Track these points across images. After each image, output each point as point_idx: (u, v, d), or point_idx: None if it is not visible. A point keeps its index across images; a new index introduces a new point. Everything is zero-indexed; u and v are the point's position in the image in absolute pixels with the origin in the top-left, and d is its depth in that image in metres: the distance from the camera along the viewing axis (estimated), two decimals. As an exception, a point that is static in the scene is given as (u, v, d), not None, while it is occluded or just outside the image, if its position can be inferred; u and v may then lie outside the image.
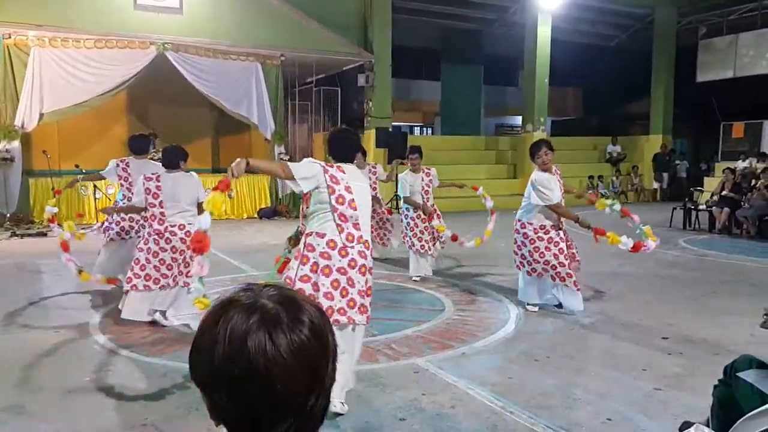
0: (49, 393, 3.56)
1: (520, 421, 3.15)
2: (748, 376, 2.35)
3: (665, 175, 17.22)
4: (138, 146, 5.84)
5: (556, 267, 5.08)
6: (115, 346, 4.38)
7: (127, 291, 4.75)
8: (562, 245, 5.14)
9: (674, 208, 11.53)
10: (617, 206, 5.38)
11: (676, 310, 5.40)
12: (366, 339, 4.52)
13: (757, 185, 10.70)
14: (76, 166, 11.07)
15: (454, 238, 6.73)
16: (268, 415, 0.77)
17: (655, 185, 17.33)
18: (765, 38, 15.20)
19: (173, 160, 4.88)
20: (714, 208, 10.75)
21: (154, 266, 4.70)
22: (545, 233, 5.14)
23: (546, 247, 5.11)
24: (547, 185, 5.02)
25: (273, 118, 12.59)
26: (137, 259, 4.73)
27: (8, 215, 10.54)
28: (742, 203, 10.45)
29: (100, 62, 10.91)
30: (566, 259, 5.12)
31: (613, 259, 7.47)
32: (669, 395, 3.50)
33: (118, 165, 5.73)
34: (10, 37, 10.39)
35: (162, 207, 4.73)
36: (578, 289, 5.13)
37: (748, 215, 10.17)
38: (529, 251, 5.17)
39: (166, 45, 11.30)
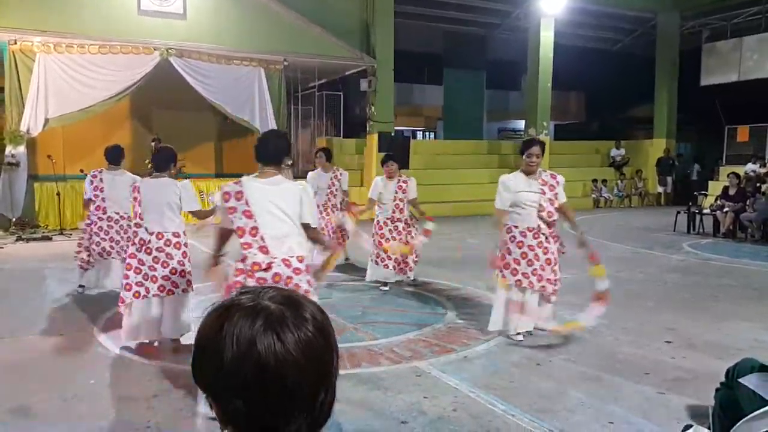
0: (54, 395, 3.57)
1: (521, 425, 3.16)
2: (749, 381, 2.35)
3: (669, 179, 17.20)
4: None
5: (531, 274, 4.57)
6: (119, 349, 4.40)
7: None
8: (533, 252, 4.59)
9: (678, 212, 11.50)
10: (603, 286, 4.49)
11: (679, 314, 5.39)
12: (368, 342, 4.55)
13: (764, 189, 10.68)
14: (81, 170, 11.13)
15: (426, 233, 6.32)
16: (281, 413, 0.78)
17: (659, 189, 17.30)
18: (769, 42, 15.18)
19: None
20: (718, 212, 10.73)
21: None
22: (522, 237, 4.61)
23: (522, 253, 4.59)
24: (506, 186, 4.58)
25: (276, 122, 12.63)
26: None
27: (14, 219, 10.61)
28: (747, 207, 10.43)
29: (105, 68, 10.98)
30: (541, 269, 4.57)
31: (614, 263, 7.46)
32: (671, 399, 3.49)
33: None
34: (15, 43, 10.47)
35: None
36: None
37: (753, 219, 10.15)
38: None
39: (169, 50, 11.36)
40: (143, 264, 4.34)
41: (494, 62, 19.88)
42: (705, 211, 11.28)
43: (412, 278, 6.52)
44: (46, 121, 10.74)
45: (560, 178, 4.77)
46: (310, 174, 7.69)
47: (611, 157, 17.79)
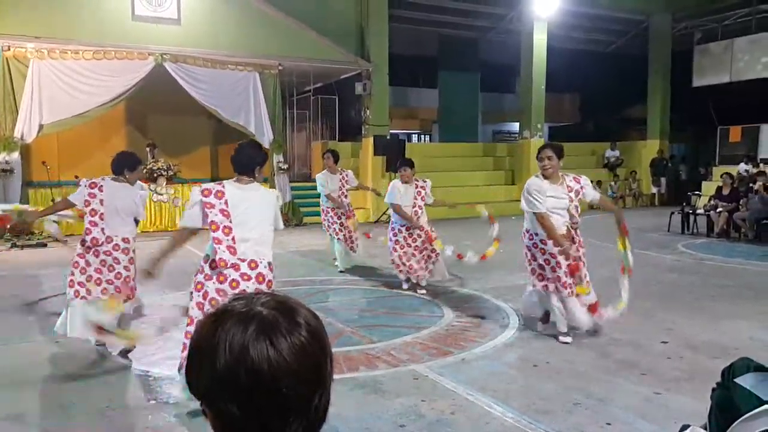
0: (50, 403, 3.56)
1: (519, 427, 3.16)
2: (745, 381, 2.36)
3: (663, 179, 17.27)
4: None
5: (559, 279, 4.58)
6: (116, 357, 4.39)
7: None
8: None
9: (672, 213, 11.55)
10: (629, 260, 4.94)
11: (676, 314, 5.41)
12: (365, 345, 4.55)
13: (756, 187, 10.74)
14: (76, 176, 11.08)
15: (459, 257, 6.34)
16: (277, 418, 0.79)
17: (654, 190, 17.37)
18: (760, 43, 15.29)
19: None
20: (712, 212, 10.78)
21: None
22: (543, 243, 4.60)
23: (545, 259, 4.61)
24: (539, 191, 4.52)
25: (271, 126, 12.63)
26: None
27: (8, 226, 10.55)
28: (740, 207, 10.49)
29: (99, 73, 10.95)
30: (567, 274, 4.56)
31: (611, 264, 7.47)
32: (668, 399, 3.51)
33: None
34: (9, 50, 10.43)
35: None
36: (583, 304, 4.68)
37: (746, 218, 10.20)
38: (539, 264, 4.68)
39: (164, 56, 11.35)
40: (89, 265, 4.37)
41: (488, 65, 19.94)
42: (699, 211, 11.33)
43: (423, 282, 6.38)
44: (41, 127, 10.69)
45: (583, 179, 4.83)
46: (319, 175, 7.63)
47: (606, 158, 17.87)
